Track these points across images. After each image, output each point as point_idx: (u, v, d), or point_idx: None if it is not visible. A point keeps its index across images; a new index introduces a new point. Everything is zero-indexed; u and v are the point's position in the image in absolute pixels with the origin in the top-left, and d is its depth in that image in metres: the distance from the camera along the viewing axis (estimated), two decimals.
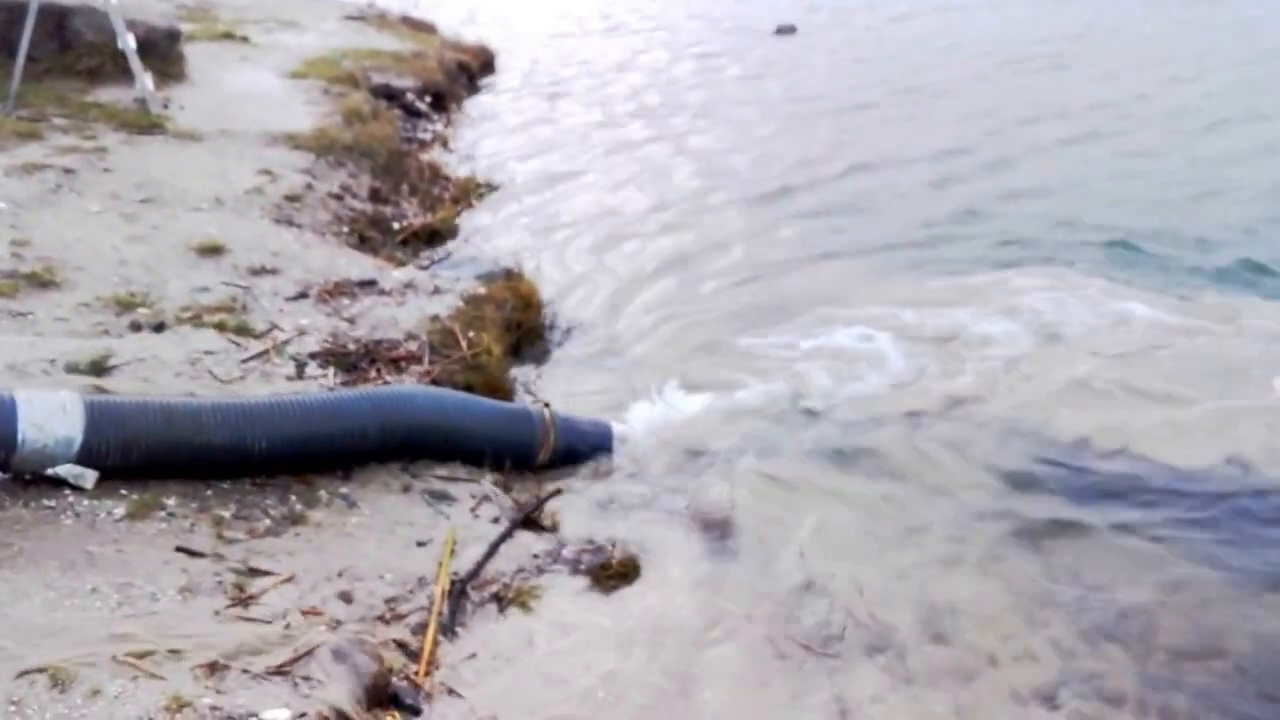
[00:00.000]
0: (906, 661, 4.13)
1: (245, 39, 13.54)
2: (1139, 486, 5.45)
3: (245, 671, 3.29)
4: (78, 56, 10.15)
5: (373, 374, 5.62)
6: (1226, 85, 15.36)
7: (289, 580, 4.03)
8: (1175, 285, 8.04)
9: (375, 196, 9.17)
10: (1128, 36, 18.88)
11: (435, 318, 6.36)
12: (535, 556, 4.63)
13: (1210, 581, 4.67)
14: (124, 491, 4.29)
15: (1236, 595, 4.57)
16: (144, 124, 9.17)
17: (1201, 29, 19.88)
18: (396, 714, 3.55)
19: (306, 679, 3.35)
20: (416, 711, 3.61)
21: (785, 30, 18.74)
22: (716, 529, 4.96)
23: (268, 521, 4.38)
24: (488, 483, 5.05)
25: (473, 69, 15.46)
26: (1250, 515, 5.20)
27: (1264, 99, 14.24)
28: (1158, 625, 4.36)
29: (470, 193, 10.17)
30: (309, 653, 3.49)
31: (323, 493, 4.66)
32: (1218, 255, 8.68)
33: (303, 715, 3.14)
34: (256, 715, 3.09)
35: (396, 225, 8.83)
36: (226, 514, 4.35)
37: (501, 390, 5.94)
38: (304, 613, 3.85)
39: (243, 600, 3.83)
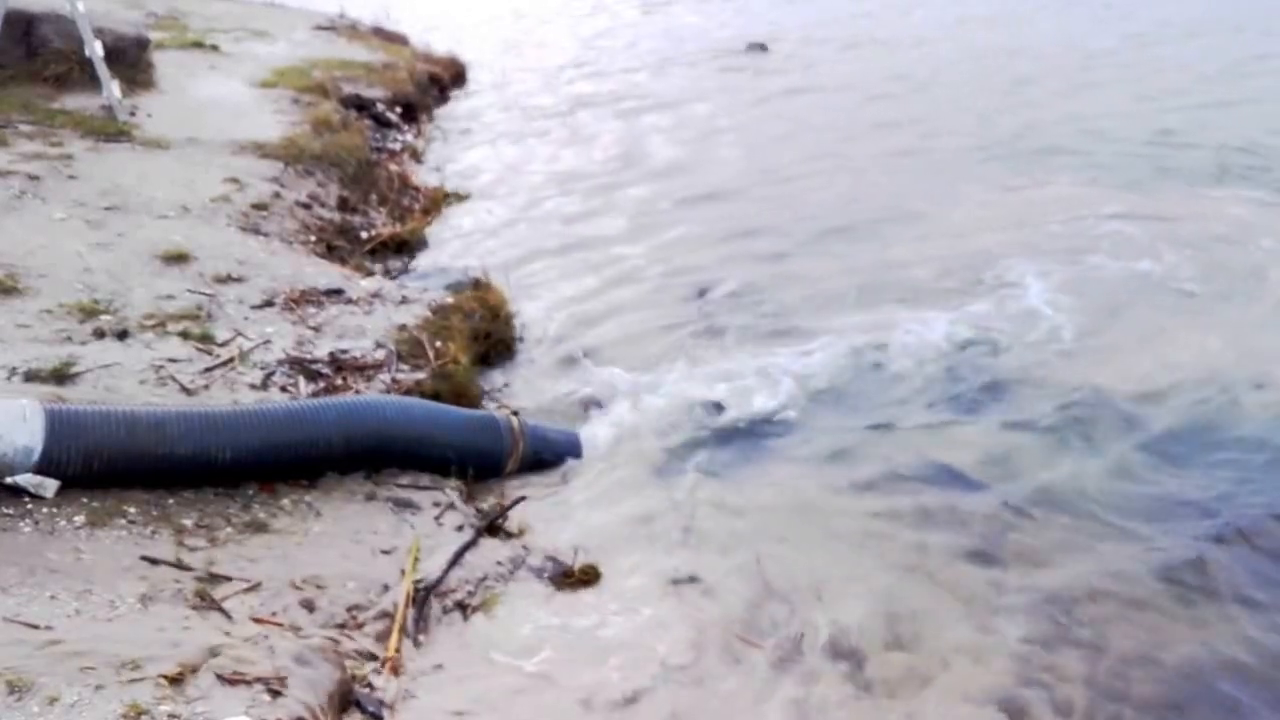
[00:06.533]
0: (864, 667, 4.18)
1: (215, 48, 13.49)
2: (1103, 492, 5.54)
3: (205, 679, 3.29)
4: (44, 63, 10.07)
5: (339, 383, 5.63)
6: None
7: (251, 588, 4.03)
8: None
9: (344, 206, 9.17)
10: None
11: (403, 327, 6.38)
12: (499, 564, 4.65)
13: (1161, 590, 4.74)
14: (85, 499, 4.28)
15: (1187, 605, 4.64)
16: (111, 131, 9.12)
17: None
18: None
19: (267, 687, 3.35)
20: (378, 718, 3.62)
21: (756, 48, 18.93)
22: (679, 536, 5.01)
23: (230, 529, 4.38)
24: (451, 491, 5.08)
25: (444, 80, 15.46)
26: (1213, 524, 5.26)
27: None
28: (1109, 633, 4.43)
29: (440, 203, 10.18)
30: (270, 660, 3.50)
31: (286, 501, 4.67)
32: None
33: None
34: None
35: (365, 235, 8.83)
36: (189, 522, 4.35)
37: (469, 398, 5.96)
38: (266, 620, 3.86)
39: (204, 608, 3.83)
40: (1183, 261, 8.65)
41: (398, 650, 3.96)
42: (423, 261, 8.58)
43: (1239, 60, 17.29)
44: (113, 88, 9.54)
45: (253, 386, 5.41)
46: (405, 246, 8.88)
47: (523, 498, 5.21)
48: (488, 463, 5.34)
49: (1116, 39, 19.49)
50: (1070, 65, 17.30)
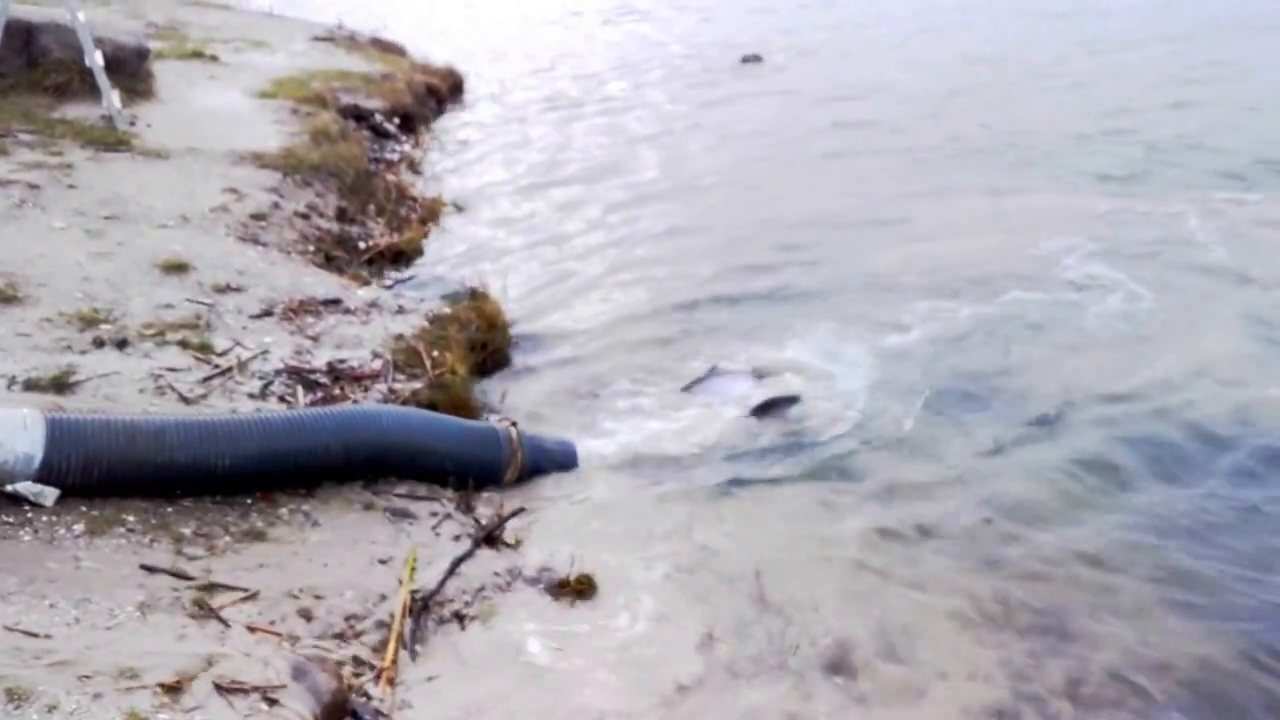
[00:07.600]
0: (860, 680, 4.19)
1: (214, 58, 13.54)
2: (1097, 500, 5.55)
3: (202, 688, 3.28)
4: (45, 73, 10.12)
5: (337, 392, 5.64)
6: None
7: (249, 597, 4.03)
8: None
9: (342, 216, 9.19)
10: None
11: (400, 337, 6.39)
12: (496, 574, 4.65)
13: (1157, 605, 4.75)
14: (84, 508, 4.28)
15: (1181, 618, 4.64)
16: (110, 141, 9.15)
17: None
18: None
19: (264, 696, 3.35)
20: None
21: (750, 60, 18.96)
22: (674, 547, 5.01)
23: (228, 538, 4.39)
24: (449, 501, 5.09)
25: (441, 91, 15.53)
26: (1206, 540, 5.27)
27: None
28: (1103, 646, 4.44)
29: (437, 213, 10.22)
30: (267, 670, 3.50)
31: (284, 510, 4.68)
32: None
33: None
34: None
35: (363, 245, 8.85)
36: (187, 531, 4.36)
37: (467, 409, 5.98)
38: (263, 629, 3.86)
39: (202, 617, 3.83)
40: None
41: (394, 660, 3.95)
42: (420, 271, 8.59)
43: (1193, 66, 17.50)
44: (113, 97, 9.57)
45: (251, 396, 5.42)
46: (403, 256, 8.91)
47: (520, 509, 5.21)
48: (486, 473, 5.35)
49: (1074, 45, 19.75)
50: (1074, 68, 17.56)
